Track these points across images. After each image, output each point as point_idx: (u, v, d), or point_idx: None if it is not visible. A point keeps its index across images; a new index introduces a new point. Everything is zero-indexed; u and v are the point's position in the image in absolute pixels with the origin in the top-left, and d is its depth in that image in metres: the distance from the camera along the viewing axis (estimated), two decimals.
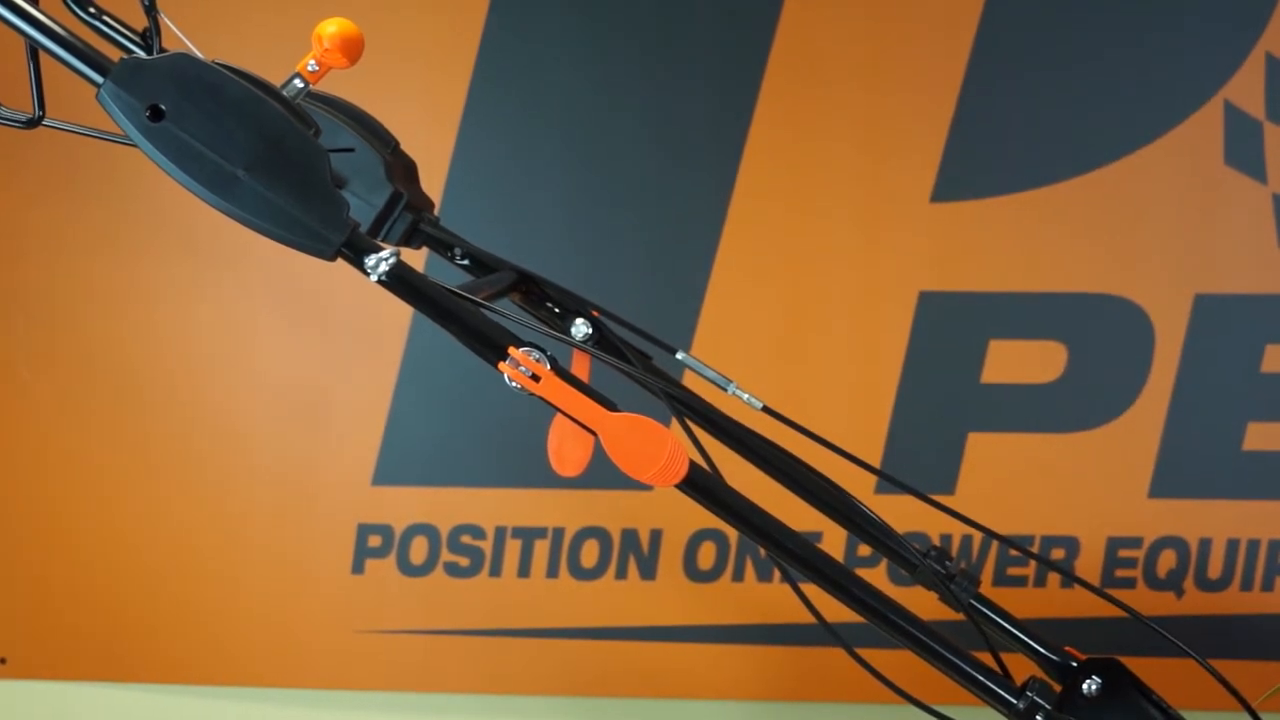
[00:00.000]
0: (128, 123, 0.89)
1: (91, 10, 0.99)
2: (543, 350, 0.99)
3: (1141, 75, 2.18)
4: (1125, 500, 2.23)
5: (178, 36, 0.94)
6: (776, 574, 2.25)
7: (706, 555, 2.29)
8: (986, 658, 1.10)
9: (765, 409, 1.20)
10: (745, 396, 1.22)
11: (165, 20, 0.93)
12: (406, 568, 2.29)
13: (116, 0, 1.05)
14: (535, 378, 0.98)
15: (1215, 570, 2.25)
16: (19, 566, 2.29)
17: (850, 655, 1.14)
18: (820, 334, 2.21)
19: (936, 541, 2.19)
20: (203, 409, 2.27)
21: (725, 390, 1.22)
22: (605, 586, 2.29)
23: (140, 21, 0.94)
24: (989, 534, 1.21)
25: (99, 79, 0.88)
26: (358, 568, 2.30)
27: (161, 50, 0.94)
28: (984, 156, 2.17)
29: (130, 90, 0.88)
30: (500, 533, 2.28)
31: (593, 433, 0.99)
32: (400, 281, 0.96)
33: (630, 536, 2.28)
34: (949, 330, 2.20)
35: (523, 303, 1.31)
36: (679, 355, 1.31)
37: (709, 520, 2.10)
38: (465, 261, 1.28)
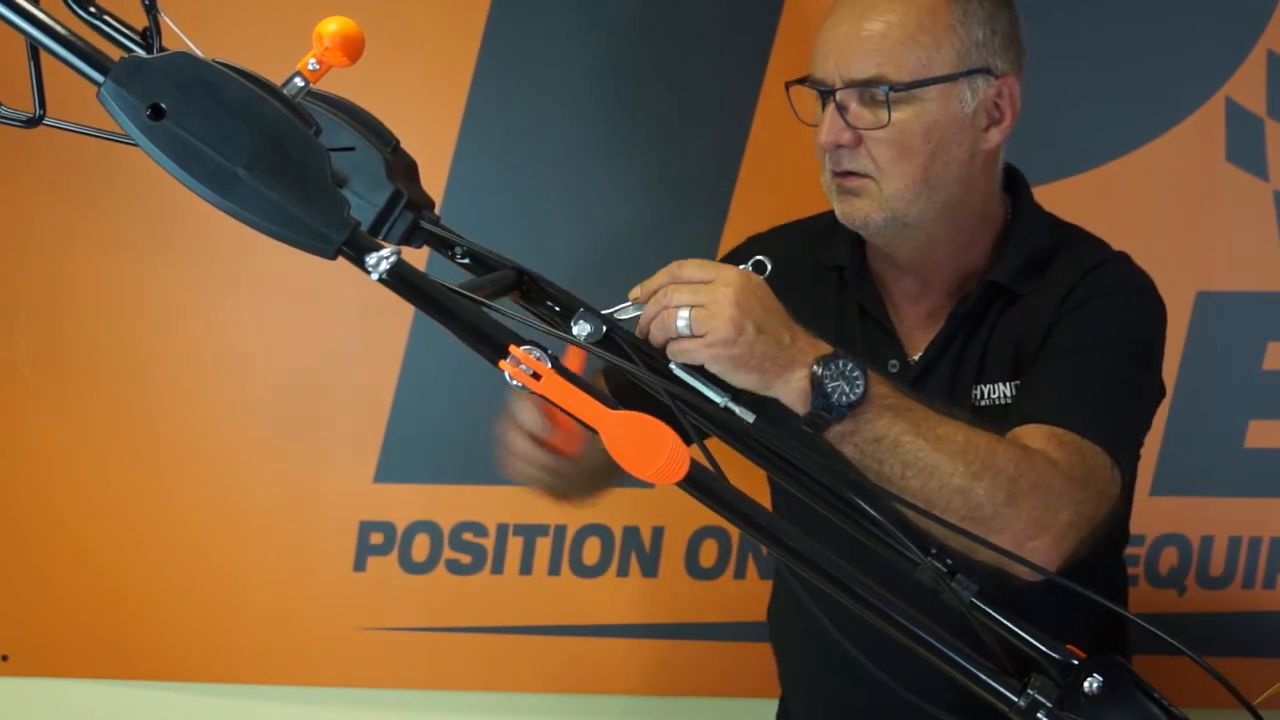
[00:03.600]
0: (128, 122, 0.89)
1: (92, 10, 0.99)
2: (543, 348, 0.99)
3: (1143, 72, 2.18)
4: None
5: (178, 36, 0.95)
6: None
7: (708, 553, 2.29)
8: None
9: (756, 423, 1.21)
10: (738, 410, 1.22)
11: (165, 19, 0.94)
12: (408, 565, 2.29)
13: (117, 1, 1.05)
14: (536, 376, 0.98)
15: (1217, 568, 2.25)
16: (21, 564, 2.29)
17: (851, 653, 1.14)
18: None
19: None
20: (203, 406, 2.27)
21: (718, 404, 1.23)
22: (607, 584, 2.29)
23: (140, 21, 0.94)
24: (972, 537, 1.21)
25: (100, 78, 0.89)
26: (359, 565, 2.30)
27: (162, 49, 0.94)
28: None
29: (130, 89, 0.89)
30: (502, 530, 2.28)
31: (594, 430, 0.99)
32: (401, 280, 0.97)
33: (632, 534, 2.28)
34: None
35: (523, 302, 1.31)
36: (672, 366, 1.31)
37: (710, 518, 2.09)
38: (466, 260, 1.28)
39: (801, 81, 1.64)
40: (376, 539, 2.29)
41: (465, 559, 2.30)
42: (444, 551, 2.29)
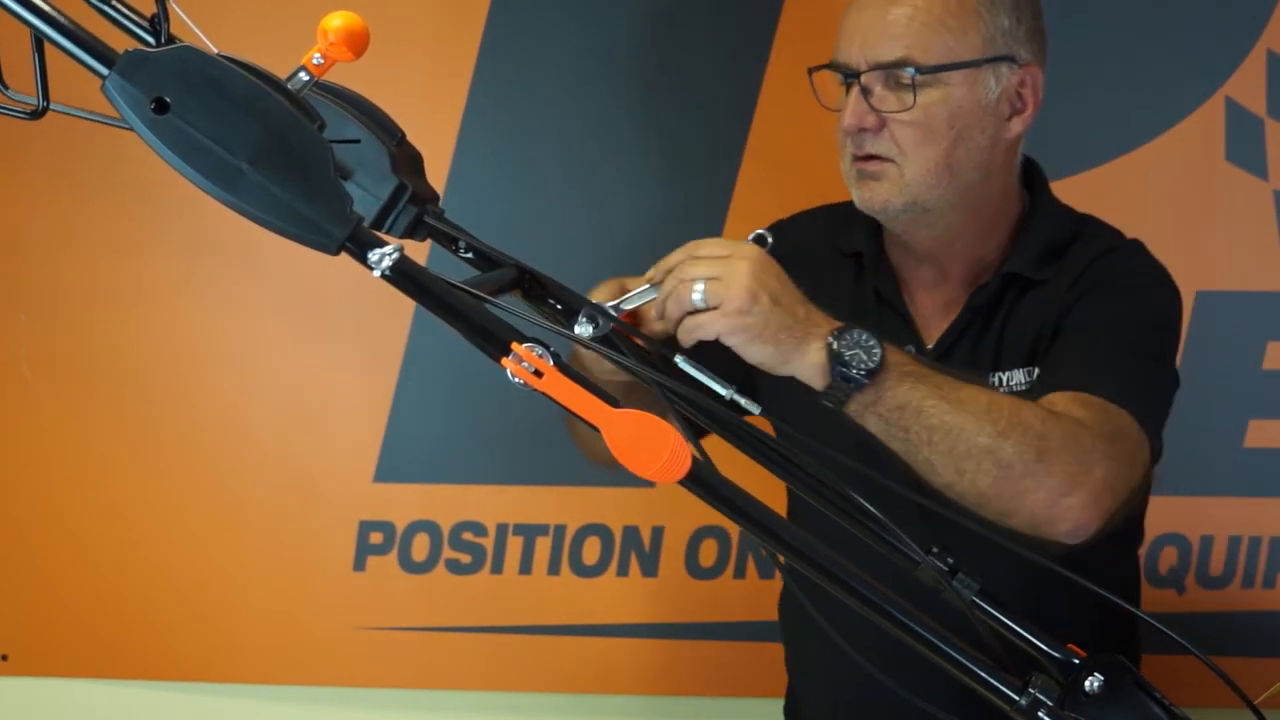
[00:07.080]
0: (133, 115, 0.89)
1: None
2: (546, 346, 0.99)
3: (1143, 72, 2.18)
4: None
5: (186, 24, 0.95)
6: (778, 571, 2.25)
7: (708, 552, 2.29)
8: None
9: (763, 414, 1.21)
10: (743, 401, 1.22)
11: (174, 7, 0.94)
12: (408, 565, 2.29)
13: None
14: (538, 374, 0.98)
15: (1217, 567, 2.25)
16: (21, 563, 2.29)
17: (849, 653, 1.14)
18: None
19: None
20: (204, 405, 2.27)
21: (723, 395, 1.23)
22: (607, 583, 2.29)
23: (149, 7, 0.94)
24: (982, 532, 1.22)
25: (104, 71, 0.89)
26: (359, 565, 2.30)
27: (170, 37, 0.94)
28: None
29: (135, 83, 0.89)
30: (502, 530, 2.28)
31: (595, 429, 0.99)
32: (403, 276, 0.97)
33: (631, 533, 2.28)
34: None
35: (524, 300, 1.31)
36: (677, 359, 1.31)
37: (711, 517, 2.09)
38: (469, 255, 1.28)
39: (825, 67, 1.65)
40: (376, 539, 2.29)
41: (465, 559, 2.29)
42: (444, 551, 2.29)
